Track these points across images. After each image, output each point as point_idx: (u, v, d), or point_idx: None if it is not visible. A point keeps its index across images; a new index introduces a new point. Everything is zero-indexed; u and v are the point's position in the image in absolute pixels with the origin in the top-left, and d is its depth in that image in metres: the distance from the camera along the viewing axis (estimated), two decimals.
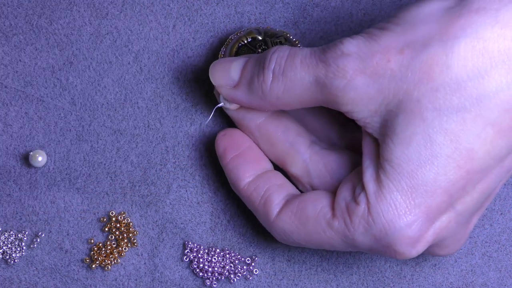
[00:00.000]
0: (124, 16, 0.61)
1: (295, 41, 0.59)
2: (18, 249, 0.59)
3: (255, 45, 0.58)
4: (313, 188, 0.56)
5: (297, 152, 0.56)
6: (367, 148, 0.51)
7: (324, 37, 0.61)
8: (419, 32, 0.48)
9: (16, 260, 0.59)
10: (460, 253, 0.60)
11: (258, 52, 0.58)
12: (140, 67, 0.61)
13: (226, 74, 0.55)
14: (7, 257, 0.59)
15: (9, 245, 0.59)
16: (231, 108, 0.56)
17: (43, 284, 0.59)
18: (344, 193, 0.52)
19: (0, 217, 0.60)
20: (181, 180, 0.60)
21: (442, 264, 0.60)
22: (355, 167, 0.54)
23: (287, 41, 0.59)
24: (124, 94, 0.61)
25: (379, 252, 0.51)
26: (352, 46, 0.49)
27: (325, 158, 0.55)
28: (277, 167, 0.57)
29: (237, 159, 0.56)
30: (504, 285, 0.60)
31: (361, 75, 0.49)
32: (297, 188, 0.57)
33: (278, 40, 0.59)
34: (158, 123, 0.60)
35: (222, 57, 0.58)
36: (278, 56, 0.52)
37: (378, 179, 0.49)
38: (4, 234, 0.59)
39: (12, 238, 0.59)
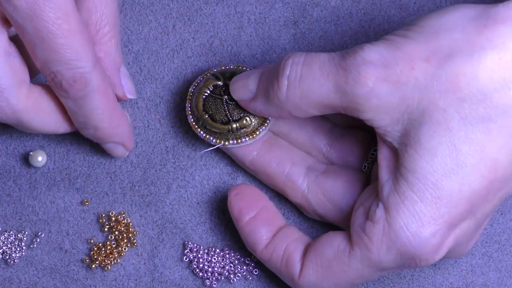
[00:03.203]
0: (123, 16, 0.61)
1: None
2: (18, 249, 0.59)
3: (219, 92, 0.58)
4: (319, 216, 0.56)
5: (294, 184, 0.56)
6: (385, 161, 0.51)
7: (324, 37, 0.61)
8: (443, 41, 0.48)
9: (16, 260, 0.59)
10: None
11: (225, 99, 0.57)
12: (140, 67, 0.61)
13: (245, 88, 0.55)
14: (7, 257, 0.59)
15: (9, 245, 0.59)
16: (226, 145, 0.57)
17: (42, 284, 0.59)
18: (359, 220, 0.51)
19: (0, 217, 0.60)
20: (181, 180, 0.60)
21: (442, 264, 0.60)
22: (352, 187, 0.55)
23: None
24: None
25: (403, 266, 0.51)
26: (373, 53, 0.49)
27: (321, 186, 0.55)
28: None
29: (253, 221, 0.56)
30: (504, 285, 0.59)
31: (384, 82, 0.48)
32: (305, 214, 0.58)
33: None
34: (158, 123, 0.60)
35: (189, 113, 0.58)
36: (293, 62, 0.51)
37: (399, 192, 0.49)
38: (4, 234, 0.59)
39: (12, 238, 0.59)
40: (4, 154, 0.60)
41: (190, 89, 0.58)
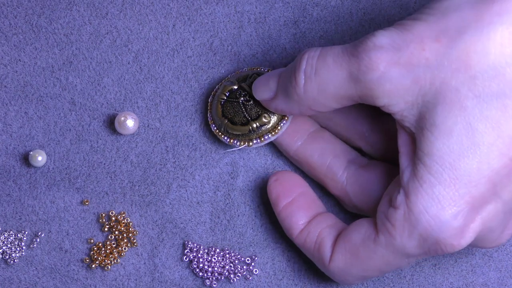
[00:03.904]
0: (124, 16, 0.61)
1: (268, 70, 0.59)
2: (18, 249, 0.59)
3: (234, 95, 0.58)
4: (357, 208, 0.56)
5: (335, 175, 0.56)
6: (404, 148, 0.50)
7: (324, 37, 0.60)
8: (453, 20, 0.47)
9: (15, 260, 0.59)
10: (460, 253, 0.60)
11: (241, 101, 0.58)
12: (140, 67, 0.61)
13: (266, 88, 0.55)
14: (7, 257, 0.59)
15: (8, 245, 0.59)
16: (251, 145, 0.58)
17: (42, 284, 0.59)
18: (383, 207, 0.51)
19: (0, 217, 0.60)
20: (181, 180, 0.60)
21: (442, 264, 0.60)
22: (388, 181, 0.55)
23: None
24: (124, 94, 0.60)
25: (429, 252, 0.50)
26: (384, 38, 0.49)
27: (360, 179, 0.55)
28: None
29: (290, 207, 0.56)
30: (504, 285, 0.59)
31: (395, 66, 0.48)
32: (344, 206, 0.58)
33: (252, 80, 0.58)
34: (158, 123, 0.60)
35: (212, 122, 0.59)
36: (308, 56, 0.52)
37: (417, 176, 0.48)
38: (3, 234, 0.59)
39: (11, 238, 0.59)
40: (4, 154, 0.60)
41: (210, 100, 0.59)
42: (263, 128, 0.57)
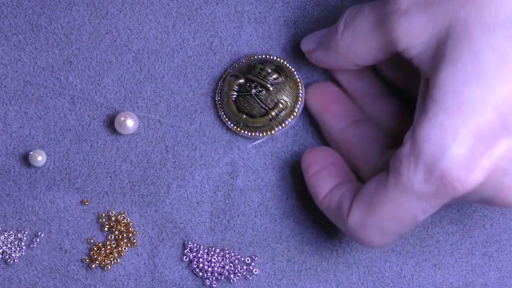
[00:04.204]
0: (123, 16, 0.61)
1: (266, 56, 0.60)
2: (18, 249, 0.59)
3: (245, 89, 0.59)
4: None
5: (369, 159, 0.56)
6: (421, 94, 0.51)
7: None
8: None
9: (15, 260, 0.59)
10: (460, 253, 0.60)
11: (254, 93, 0.59)
12: (140, 67, 0.61)
13: (311, 40, 0.58)
14: (7, 257, 0.59)
15: (8, 245, 0.59)
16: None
17: (42, 284, 0.59)
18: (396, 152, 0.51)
19: (0, 217, 0.60)
20: (181, 180, 0.60)
21: (442, 264, 0.60)
22: None
23: (268, 63, 0.59)
24: (124, 93, 0.60)
25: (439, 192, 0.48)
26: None
27: None
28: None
29: (318, 174, 0.57)
30: (504, 285, 0.59)
31: (414, 5, 0.49)
32: None
33: (258, 70, 0.59)
34: (158, 122, 0.60)
35: (226, 120, 0.59)
36: (352, 8, 0.54)
37: (424, 108, 0.48)
38: (3, 234, 0.59)
39: (11, 238, 0.59)
40: (4, 154, 0.60)
41: (217, 98, 0.59)
42: (282, 113, 0.58)
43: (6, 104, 0.60)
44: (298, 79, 0.59)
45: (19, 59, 0.60)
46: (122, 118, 0.59)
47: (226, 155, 0.60)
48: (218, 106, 0.60)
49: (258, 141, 0.60)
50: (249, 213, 0.60)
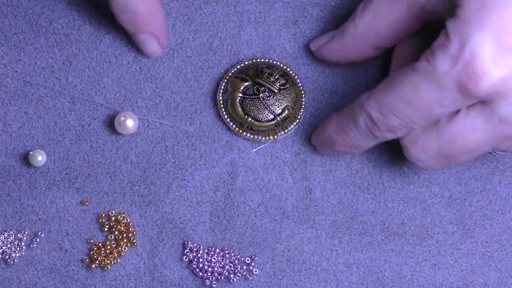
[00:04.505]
0: None
1: (268, 60, 0.60)
2: (18, 249, 0.59)
3: (253, 92, 0.59)
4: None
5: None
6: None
7: None
8: None
9: (15, 260, 0.59)
10: (460, 253, 0.60)
11: (261, 97, 0.59)
12: (140, 67, 0.61)
13: (323, 37, 0.59)
14: (7, 257, 0.59)
15: (8, 245, 0.59)
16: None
17: (42, 284, 0.59)
18: None
19: (0, 217, 0.60)
20: (181, 180, 0.60)
21: (442, 264, 0.60)
22: None
23: (275, 69, 0.59)
24: (124, 93, 0.60)
25: (461, 82, 0.48)
26: None
27: None
28: None
29: None
30: (504, 285, 0.59)
31: None
32: None
33: (267, 76, 0.59)
34: (158, 122, 0.60)
35: (228, 121, 0.60)
36: None
37: (456, 12, 0.48)
38: (3, 234, 0.59)
39: (11, 238, 0.59)
40: (4, 154, 0.60)
41: (218, 98, 0.59)
42: (287, 120, 0.59)
43: (6, 104, 0.60)
44: (301, 87, 0.60)
45: (19, 59, 0.60)
46: (122, 118, 0.59)
47: (226, 155, 0.60)
48: (219, 106, 0.60)
49: (262, 146, 0.60)
50: (249, 213, 0.60)
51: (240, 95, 0.59)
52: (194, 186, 0.60)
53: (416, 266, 0.60)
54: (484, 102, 0.49)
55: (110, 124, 0.60)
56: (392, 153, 0.60)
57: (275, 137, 0.59)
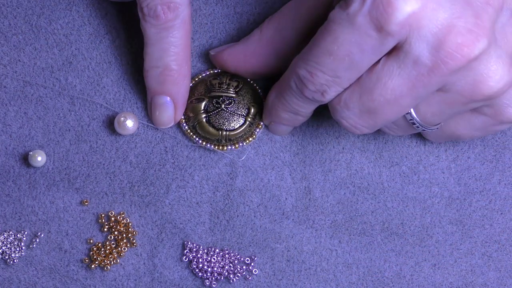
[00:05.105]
0: (123, 16, 0.61)
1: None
2: (18, 249, 0.59)
3: (213, 107, 0.59)
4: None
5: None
6: None
7: None
8: None
9: (15, 260, 0.59)
10: (459, 253, 0.60)
11: (224, 107, 0.59)
12: (140, 67, 0.61)
13: (229, 44, 0.59)
14: (7, 257, 0.59)
15: (8, 245, 0.59)
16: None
17: (42, 284, 0.59)
18: None
19: None
20: (180, 180, 0.60)
21: (442, 264, 0.60)
22: None
23: (221, 75, 0.60)
24: (123, 94, 0.60)
25: (373, 18, 0.48)
26: None
27: None
28: None
29: None
30: (504, 285, 0.59)
31: None
32: None
33: (216, 83, 0.59)
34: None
35: (204, 144, 0.60)
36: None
37: None
38: (3, 234, 0.59)
39: (11, 238, 0.59)
40: (3, 154, 0.60)
41: (184, 128, 0.60)
42: (257, 116, 0.59)
43: (6, 104, 0.60)
44: (251, 81, 0.60)
45: (19, 60, 0.61)
46: (122, 119, 0.59)
47: (225, 155, 0.60)
48: (189, 135, 0.60)
49: (247, 152, 0.60)
50: (248, 213, 0.60)
51: (204, 115, 0.59)
52: (194, 186, 0.60)
53: (415, 266, 0.60)
54: (399, 47, 0.49)
55: (110, 124, 0.60)
56: (392, 153, 0.60)
57: (254, 137, 0.59)
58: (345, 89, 0.51)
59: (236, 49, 0.58)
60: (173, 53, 0.56)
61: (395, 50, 0.49)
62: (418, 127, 0.53)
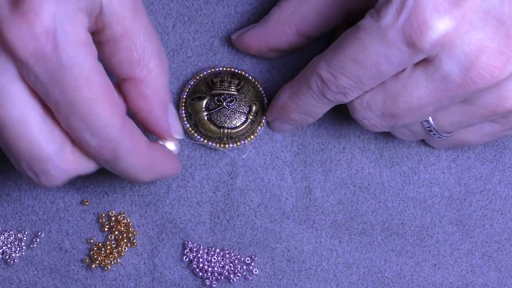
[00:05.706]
0: None
1: (222, 68, 0.61)
2: (18, 249, 0.59)
3: (214, 105, 0.59)
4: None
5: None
6: None
7: (323, 37, 0.60)
8: None
9: (15, 260, 0.59)
10: (459, 253, 0.60)
11: (226, 105, 0.59)
12: None
13: (249, 27, 0.60)
14: (7, 257, 0.59)
15: (8, 245, 0.59)
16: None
17: (42, 284, 0.59)
18: None
19: (0, 217, 0.60)
20: (181, 180, 0.60)
21: (442, 264, 0.60)
22: None
23: (222, 73, 0.60)
24: None
25: (406, 34, 0.48)
26: None
27: None
28: None
29: None
30: (504, 285, 0.59)
31: None
32: None
33: (217, 81, 0.59)
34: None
35: (205, 142, 0.60)
36: None
37: None
38: (3, 234, 0.59)
39: (11, 238, 0.59)
40: (4, 154, 0.60)
41: (185, 126, 0.59)
42: (258, 113, 0.59)
43: None
44: (252, 79, 0.60)
45: None
46: None
47: (226, 155, 0.60)
48: (190, 133, 0.60)
49: (248, 150, 0.60)
50: (249, 213, 0.60)
51: (205, 113, 0.59)
52: (194, 186, 0.60)
53: (416, 266, 0.60)
54: (429, 60, 0.49)
55: None
56: (393, 153, 0.60)
57: (255, 134, 0.59)
58: (368, 91, 0.52)
59: (256, 30, 0.58)
60: (133, 171, 0.52)
61: (423, 62, 0.49)
62: (434, 134, 0.54)
